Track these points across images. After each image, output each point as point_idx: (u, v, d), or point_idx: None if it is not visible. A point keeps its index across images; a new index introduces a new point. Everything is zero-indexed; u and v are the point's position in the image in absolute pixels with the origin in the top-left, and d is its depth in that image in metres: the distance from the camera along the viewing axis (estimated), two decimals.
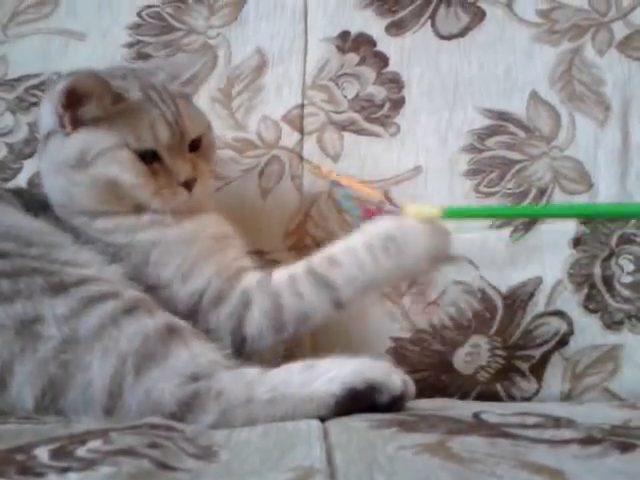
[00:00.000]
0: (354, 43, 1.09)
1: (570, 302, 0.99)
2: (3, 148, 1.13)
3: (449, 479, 0.45)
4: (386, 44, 1.08)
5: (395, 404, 0.70)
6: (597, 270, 0.99)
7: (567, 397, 0.97)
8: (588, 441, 0.54)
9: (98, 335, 0.69)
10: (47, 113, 0.85)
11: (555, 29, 1.04)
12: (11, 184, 1.10)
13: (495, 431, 0.59)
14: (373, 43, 1.09)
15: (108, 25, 1.15)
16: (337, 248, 0.82)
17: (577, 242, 1.00)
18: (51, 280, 0.72)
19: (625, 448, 0.51)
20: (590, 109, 1.02)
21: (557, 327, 0.98)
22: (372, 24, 1.09)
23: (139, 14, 1.15)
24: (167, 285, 0.81)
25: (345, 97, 1.08)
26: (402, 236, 0.80)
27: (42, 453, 0.50)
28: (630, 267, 0.98)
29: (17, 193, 0.89)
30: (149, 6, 1.15)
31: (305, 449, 0.54)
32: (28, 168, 1.11)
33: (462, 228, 1.01)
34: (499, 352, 0.99)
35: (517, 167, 1.02)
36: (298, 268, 0.82)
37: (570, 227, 1.00)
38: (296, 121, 1.08)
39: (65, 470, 0.46)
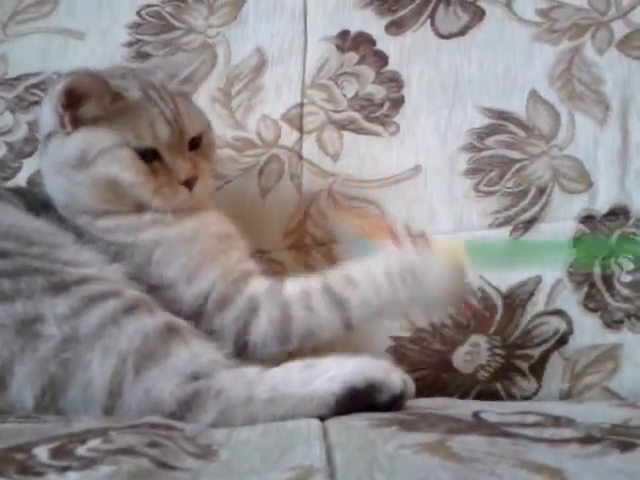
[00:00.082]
0: (354, 42, 1.09)
1: (570, 301, 0.99)
2: (3, 147, 1.13)
3: (449, 478, 0.45)
4: (386, 43, 1.08)
5: (395, 403, 0.70)
6: (597, 269, 0.99)
7: (567, 396, 0.97)
8: (588, 440, 0.54)
9: (98, 334, 0.69)
10: (47, 113, 0.85)
11: (555, 28, 1.04)
12: (11, 183, 1.10)
13: (495, 430, 0.59)
14: (373, 42, 1.09)
15: (108, 24, 1.15)
16: (356, 269, 0.82)
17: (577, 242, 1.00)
18: (52, 279, 0.72)
19: (625, 447, 0.51)
20: (590, 108, 1.02)
21: (557, 326, 0.98)
22: (372, 23, 1.09)
23: (139, 13, 1.15)
24: (171, 286, 0.81)
25: (344, 96, 1.08)
26: (422, 270, 0.80)
27: (42, 452, 0.50)
28: (630, 266, 0.98)
29: (18, 192, 0.89)
30: (149, 5, 1.15)
31: (305, 448, 0.54)
32: (28, 167, 1.11)
33: (461, 227, 1.02)
34: (499, 351, 0.99)
35: (517, 166, 1.02)
36: (313, 283, 0.82)
37: (570, 226, 1.00)
38: (295, 120, 1.08)
39: (65, 469, 0.46)
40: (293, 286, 0.82)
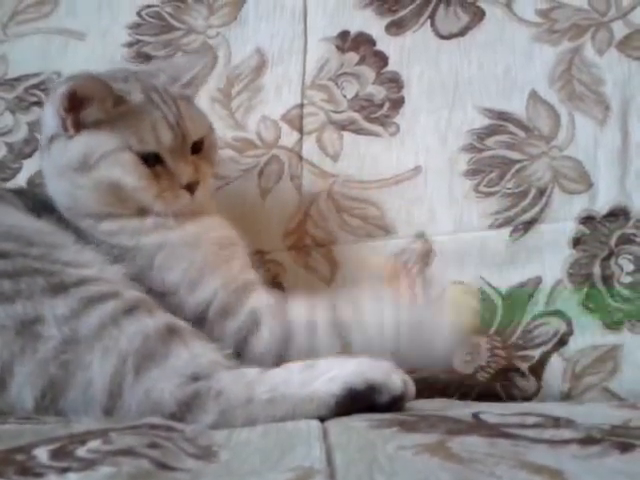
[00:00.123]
0: (354, 43, 1.09)
1: (570, 302, 0.99)
2: (3, 148, 1.14)
3: (449, 479, 0.45)
4: (386, 43, 1.08)
5: (395, 404, 0.70)
6: (597, 270, 0.99)
7: (567, 397, 0.97)
8: (588, 441, 0.54)
9: (98, 335, 0.69)
10: (50, 116, 0.85)
11: (555, 29, 1.04)
12: (11, 184, 1.10)
13: (495, 431, 0.59)
14: (373, 43, 1.09)
15: (108, 24, 1.15)
16: (367, 308, 0.81)
17: (577, 242, 1.00)
18: (52, 280, 0.72)
19: (625, 448, 0.51)
20: (590, 109, 1.02)
21: (557, 327, 0.98)
22: (372, 24, 1.09)
23: (139, 13, 1.15)
24: (174, 291, 0.81)
25: (345, 97, 1.08)
26: (430, 328, 0.80)
27: (42, 453, 0.50)
28: (630, 267, 0.98)
29: (19, 193, 0.89)
30: (149, 6, 1.15)
31: (305, 449, 0.54)
32: (28, 168, 1.11)
33: (461, 228, 1.02)
34: (499, 352, 0.99)
35: (517, 167, 1.02)
36: (320, 314, 0.81)
37: (570, 227, 1.00)
38: (295, 121, 1.08)
39: (65, 470, 0.46)
40: (299, 309, 0.82)
